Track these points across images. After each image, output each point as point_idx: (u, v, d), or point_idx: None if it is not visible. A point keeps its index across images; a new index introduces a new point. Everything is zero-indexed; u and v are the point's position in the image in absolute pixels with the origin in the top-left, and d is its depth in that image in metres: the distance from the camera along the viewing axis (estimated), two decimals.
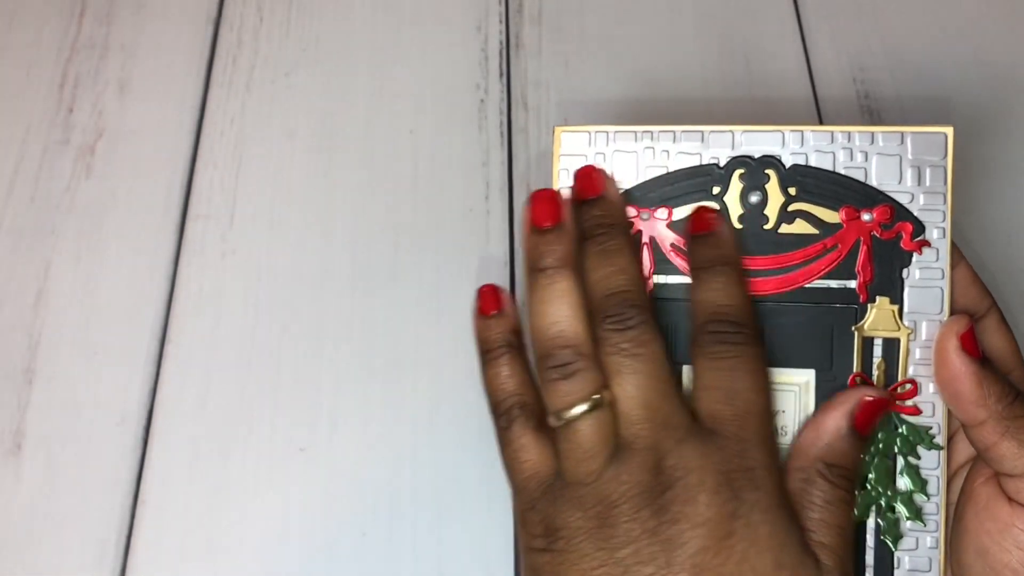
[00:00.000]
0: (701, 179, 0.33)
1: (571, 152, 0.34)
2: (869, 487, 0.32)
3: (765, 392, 0.30)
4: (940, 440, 0.32)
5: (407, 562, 0.41)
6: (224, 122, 0.51)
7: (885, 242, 0.32)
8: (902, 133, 0.32)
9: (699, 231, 0.32)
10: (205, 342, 0.45)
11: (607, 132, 0.34)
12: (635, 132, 0.34)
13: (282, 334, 0.45)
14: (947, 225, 0.32)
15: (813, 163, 0.33)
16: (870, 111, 0.50)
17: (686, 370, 0.33)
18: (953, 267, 0.32)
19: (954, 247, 0.32)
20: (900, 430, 0.32)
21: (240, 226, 0.48)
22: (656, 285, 0.33)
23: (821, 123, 0.50)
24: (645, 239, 0.33)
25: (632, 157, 0.34)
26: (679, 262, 0.33)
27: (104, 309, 0.46)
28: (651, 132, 0.33)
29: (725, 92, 0.51)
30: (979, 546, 0.31)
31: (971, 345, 0.31)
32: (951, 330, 0.31)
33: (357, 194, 0.49)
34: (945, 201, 0.32)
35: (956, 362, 0.30)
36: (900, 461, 0.32)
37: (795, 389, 0.32)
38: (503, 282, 0.46)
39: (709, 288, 0.31)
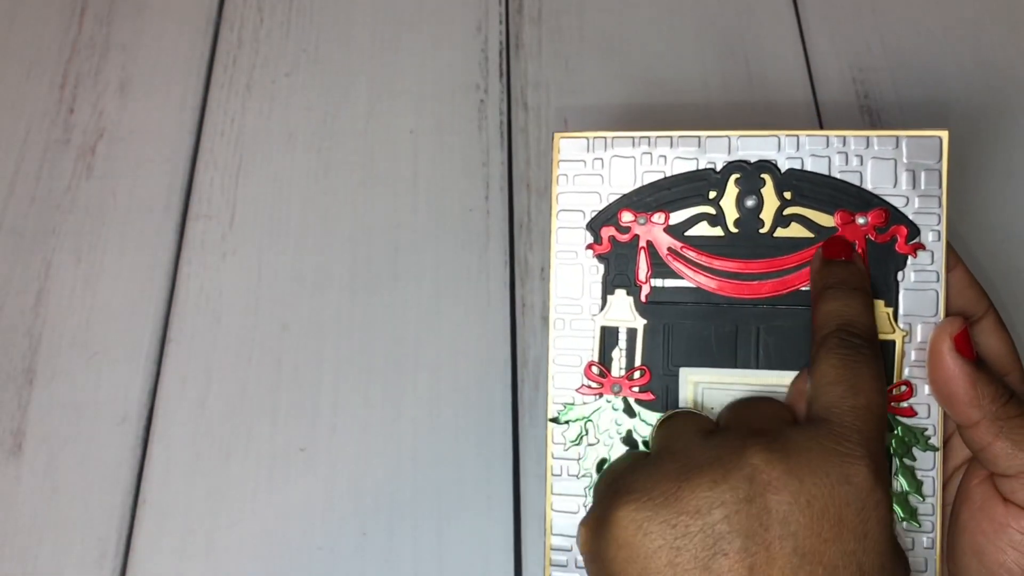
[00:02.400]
0: (698, 184, 0.34)
1: (570, 158, 0.34)
2: None
3: (885, 397, 0.30)
4: (935, 441, 0.32)
5: (407, 562, 0.41)
6: (224, 122, 0.51)
7: (880, 245, 0.33)
8: (897, 137, 0.33)
9: (834, 257, 0.33)
10: (205, 342, 0.45)
11: (605, 138, 0.34)
12: (633, 138, 0.34)
13: (282, 334, 0.45)
14: (942, 228, 0.32)
15: (809, 167, 0.33)
16: (869, 112, 0.50)
17: (682, 372, 0.33)
18: (950, 269, 0.33)
19: (951, 249, 0.33)
20: (896, 431, 0.32)
21: (240, 226, 0.48)
22: (653, 288, 0.34)
23: (820, 124, 0.50)
24: (642, 243, 0.34)
25: (630, 162, 0.34)
26: (676, 266, 0.34)
27: (104, 309, 0.46)
28: (648, 138, 0.34)
29: (725, 92, 0.51)
30: (975, 546, 0.31)
31: (965, 346, 0.31)
32: (945, 331, 0.31)
33: (357, 194, 0.49)
34: (940, 204, 0.32)
35: (950, 363, 0.30)
36: (895, 463, 0.32)
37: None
38: (503, 283, 0.46)
39: (840, 302, 0.31)
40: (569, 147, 0.34)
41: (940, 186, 0.32)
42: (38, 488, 0.42)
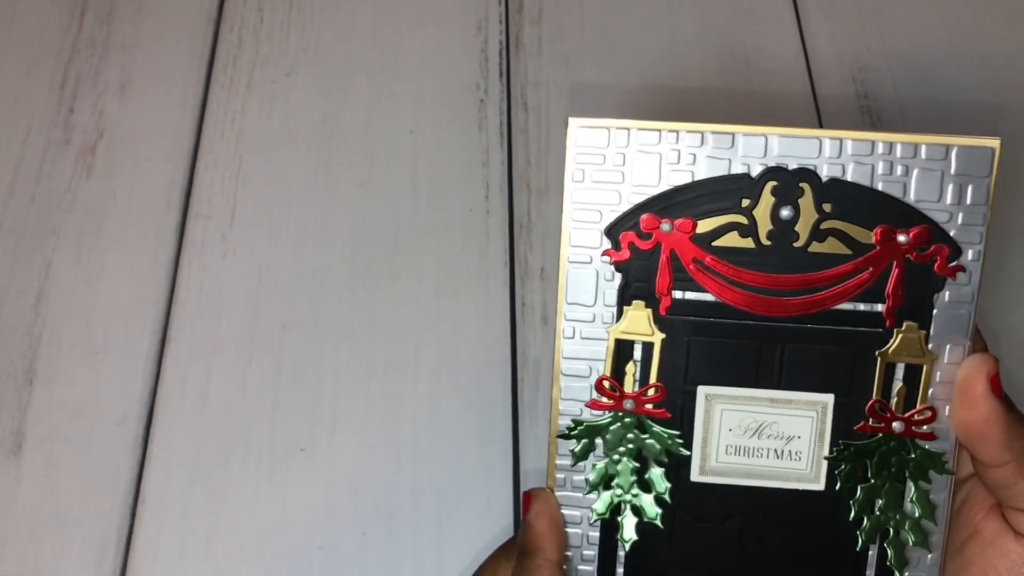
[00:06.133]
0: (730, 190, 0.30)
1: (587, 150, 0.30)
2: (879, 512, 0.31)
3: None
4: (951, 466, 0.31)
5: (407, 562, 0.41)
6: (224, 122, 0.51)
7: (919, 265, 0.30)
8: (947, 146, 0.30)
9: None
10: (205, 342, 0.45)
11: (628, 129, 0.30)
12: (659, 132, 0.30)
13: (282, 334, 0.45)
14: (983, 247, 0.30)
15: (851, 173, 0.30)
16: (869, 112, 0.50)
17: (700, 390, 0.31)
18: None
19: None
20: (913, 455, 0.31)
21: (240, 226, 0.48)
22: (675, 301, 0.31)
23: (820, 124, 0.50)
24: (665, 252, 0.31)
25: (654, 159, 0.30)
26: (701, 278, 0.31)
27: (104, 309, 0.46)
28: (676, 132, 0.30)
29: (725, 92, 0.51)
30: None
31: (997, 386, 0.29)
32: (980, 371, 0.29)
33: (357, 194, 0.49)
34: (984, 220, 0.30)
35: (985, 406, 0.29)
36: (911, 488, 0.31)
37: (813, 414, 0.31)
38: (503, 283, 0.46)
39: None
40: (586, 137, 0.30)
41: (987, 202, 0.30)
42: (38, 488, 0.42)
